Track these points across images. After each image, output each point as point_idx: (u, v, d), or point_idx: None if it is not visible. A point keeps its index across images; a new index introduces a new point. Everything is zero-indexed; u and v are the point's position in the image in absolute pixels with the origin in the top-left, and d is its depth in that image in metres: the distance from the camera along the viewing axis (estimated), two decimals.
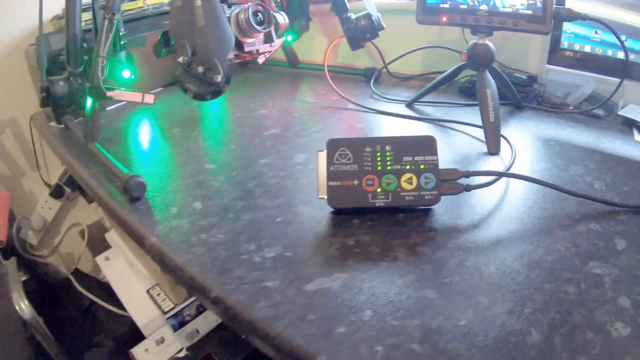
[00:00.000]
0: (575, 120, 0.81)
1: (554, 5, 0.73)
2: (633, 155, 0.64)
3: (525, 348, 0.33)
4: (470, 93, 0.91)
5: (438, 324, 0.35)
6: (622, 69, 0.76)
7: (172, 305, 0.91)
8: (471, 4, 0.77)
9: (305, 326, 0.36)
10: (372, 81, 1.03)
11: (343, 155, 0.48)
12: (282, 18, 0.99)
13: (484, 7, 0.76)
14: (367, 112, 0.85)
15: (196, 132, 0.79)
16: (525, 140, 0.72)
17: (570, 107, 0.88)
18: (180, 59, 0.68)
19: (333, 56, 1.01)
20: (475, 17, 0.77)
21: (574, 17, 0.75)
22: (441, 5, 0.79)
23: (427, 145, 0.48)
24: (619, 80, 0.75)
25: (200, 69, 0.68)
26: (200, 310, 0.94)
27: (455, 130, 0.76)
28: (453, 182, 0.49)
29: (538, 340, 0.34)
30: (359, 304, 0.37)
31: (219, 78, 0.68)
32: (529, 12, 0.73)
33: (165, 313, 0.90)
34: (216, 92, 0.70)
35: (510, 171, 0.59)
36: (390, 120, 0.81)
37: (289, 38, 1.12)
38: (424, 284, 0.40)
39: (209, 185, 0.59)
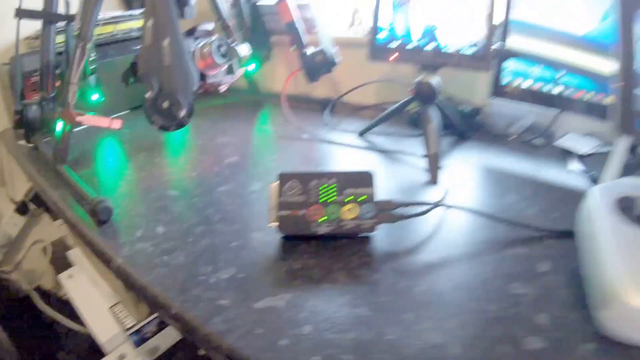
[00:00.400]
0: (516, 149, 0.89)
1: (494, 45, 0.82)
2: (566, 183, 0.71)
3: (447, 359, 0.40)
4: (418, 124, 0.99)
5: (370, 338, 0.42)
6: (559, 102, 0.85)
7: (134, 322, 0.95)
8: (417, 44, 0.85)
9: (253, 339, 0.42)
10: (327, 111, 1.11)
11: (292, 188, 0.54)
12: (244, 50, 1.06)
13: (429, 47, 0.84)
14: (320, 142, 0.92)
15: (160, 158, 0.85)
16: (467, 170, 0.80)
17: (512, 137, 0.97)
18: (148, 94, 0.74)
19: (293, 84, 1.08)
20: (421, 56, 0.85)
21: (512, 55, 0.83)
22: (389, 45, 0.87)
23: (366, 179, 0.55)
24: (557, 111, 0.84)
25: (166, 104, 0.74)
26: (162, 327, 0.98)
27: (401, 160, 0.83)
28: (389, 212, 0.56)
29: (458, 353, 0.41)
30: (300, 320, 0.44)
31: (183, 113, 0.74)
32: (471, 51, 0.82)
33: (127, 330, 0.94)
34: (180, 125, 0.76)
35: (447, 200, 0.67)
36: (342, 150, 0.88)
37: (251, 67, 1.19)
38: (359, 303, 0.46)
39: (171, 211, 0.65)
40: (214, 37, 0.97)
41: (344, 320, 0.44)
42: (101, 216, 0.62)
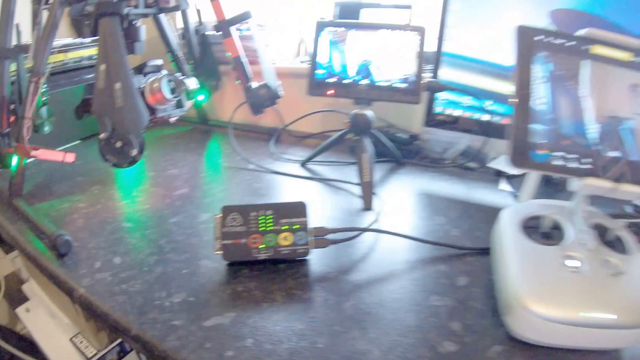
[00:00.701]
0: (451, 173, 0.99)
1: (425, 79, 0.91)
2: (494, 203, 0.81)
3: None
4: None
5: (302, 347, 0.50)
6: (487, 129, 0.95)
7: (95, 352, 1.00)
8: (353, 79, 0.95)
9: (203, 352, 0.49)
10: (272, 141, 1.20)
11: (234, 219, 0.63)
12: (192, 83, 1.14)
13: (364, 82, 0.94)
14: (264, 172, 1.01)
15: (113, 191, 0.92)
16: (402, 194, 0.89)
17: (447, 162, 1.08)
18: (102, 135, 0.81)
19: (241, 114, 1.15)
20: (357, 90, 0.94)
21: (441, 88, 0.94)
22: (327, 81, 0.95)
23: (299, 209, 0.64)
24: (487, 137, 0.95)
25: (119, 144, 0.82)
26: (121, 355, 1.03)
27: (339, 187, 0.92)
28: (322, 238, 0.65)
29: (378, 356, 0.50)
30: (243, 335, 0.52)
31: (134, 152, 0.82)
32: (403, 85, 0.92)
33: (88, 359, 0.99)
34: (132, 162, 0.84)
35: (379, 224, 0.76)
36: (285, 180, 0.97)
37: (200, 97, 1.26)
38: (294, 318, 0.55)
39: (127, 242, 0.72)
40: (163, 73, 1.05)
41: (280, 333, 0.52)
42: (61, 250, 0.68)
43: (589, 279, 0.54)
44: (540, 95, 0.59)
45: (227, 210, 0.63)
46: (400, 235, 0.71)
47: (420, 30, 0.92)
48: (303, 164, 1.05)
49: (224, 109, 1.39)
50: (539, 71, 0.61)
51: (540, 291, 0.53)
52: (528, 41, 0.62)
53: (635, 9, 0.96)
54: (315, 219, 0.76)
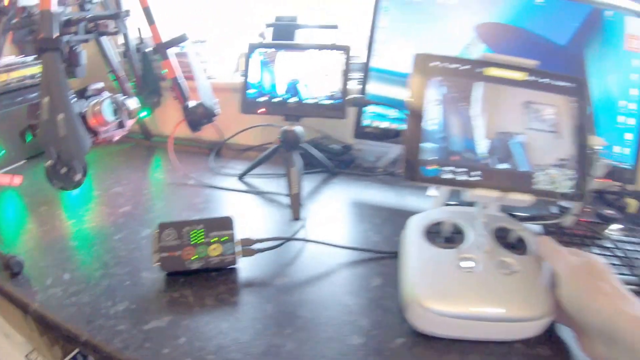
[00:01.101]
0: (383, 181, 1.10)
1: (350, 95, 1.01)
2: (419, 208, 0.86)
3: (282, 354, 0.59)
4: None
5: (227, 342, 0.61)
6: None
7: None
8: (282, 97, 1.04)
9: (143, 351, 0.59)
10: (212, 156, 1.29)
11: (169, 234, 0.72)
12: (133, 103, 1.22)
13: (293, 99, 1.04)
14: (203, 187, 1.10)
15: (60, 211, 1.00)
16: (330, 203, 1.00)
17: (379, 170, 1.19)
18: (48, 163, 0.90)
19: (183, 129, 1.23)
20: (286, 108, 1.04)
21: (366, 103, 1.05)
22: (258, 99, 1.05)
23: (227, 223, 0.73)
24: None
25: (64, 170, 0.90)
26: None
27: (272, 199, 1.03)
28: (248, 248, 0.75)
29: (292, 349, 0.61)
30: (177, 335, 0.62)
31: (78, 177, 0.91)
32: (329, 102, 1.02)
33: None
34: (77, 185, 0.92)
35: (305, 233, 0.86)
36: (222, 193, 1.07)
37: (143, 114, 1.35)
38: (222, 319, 0.65)
39: (75, 260, 0.80)
40: (104, 96, 1.13)
41: (209, 332, 0.62)
42: (14, 269, 0.77)
43: (482, 278, 0.62)
44: (433, 117, 0.69)
45: (163, 226, 0.73)
46: (321, 242, 0.82)
47: (345, 49, 1.03)
48: (240, 177, 1.15)
49: (167, 124, 1.47)
50: (432, 94, 0.70)
51: (434, 290, 0.60)
52: (424, 67, 0.70)
53: (558, 21, 1.09)
54: (247, 229, 0.86)
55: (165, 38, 1.16)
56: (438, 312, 0.58)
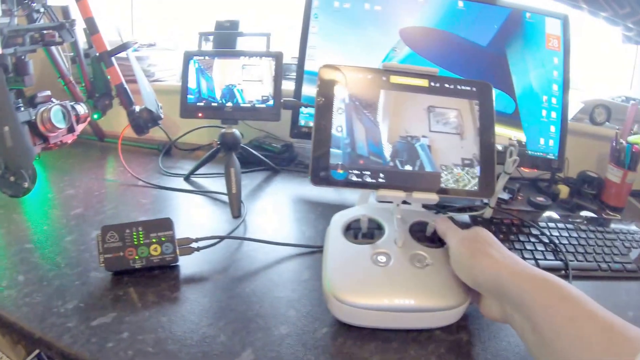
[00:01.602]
0: None
1: (282, 99, 1.10)
2: (352, 203, 0.92)
3: (215, 344, 0.67)
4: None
5: (165, 335, 0.69)
6: None
7: None
8: (220, 102, 1.13)
9: (90, 345, 0.67)
10: (160, 157, 1.37)
11: (112, 236, 0.79)
12: (82, 109, 1.29)
13: (229, 104, 1.13)
14: (151, 187, 1.18)
15: (16, 214, 1.06)
16: (270, 200, 1.09)
17: None
18: None
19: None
20: (223, 112, 1.12)
21: (298, 106, 1.14)
22: (197, 104, 1.13)
23: (166, 224, 0.80)
24: None
25: (13, 179, 0.98)
26: None
27: (215, 198, 1.12)
28: (187, 247, 0.84)
29: (224, 340, 0.69)
30: (121, 330, 0.70)
31: (27, 184, 0.98)
32: (263, 105, 1.12)
33: None
34: (26, 192, 1.00)
35: (244, 230, 0.95)
36: (169, 194, 1.14)
37: (95, 116, 1.41)
38: (161, 313, 0.73)
39: (29, 262, 0.87)
40: (53, 103, 1.20)
41: (149, 326, 0.70)
42: None
43: (394, 272, 0.67)
44: (339, 124, 0.76)
45: (105, 229, 0.80)
46: (255, 240, 0.91)
47: (277, 56, 1.12)
48: (186, 178, 1.23)
49: (120, 124, 1.52)
50: (338, 103, 0.77)
51: (349, 283, 0.66)
52: (330, 77, 0.78)
53: (479, 24, 1.19)
54: (190, 228, 0.94)
55: (111, 44, 1.23)
56: (353, 304, 0.63)
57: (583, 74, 1.73)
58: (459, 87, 0.81)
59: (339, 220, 0.82)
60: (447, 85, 0.81)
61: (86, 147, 1.49)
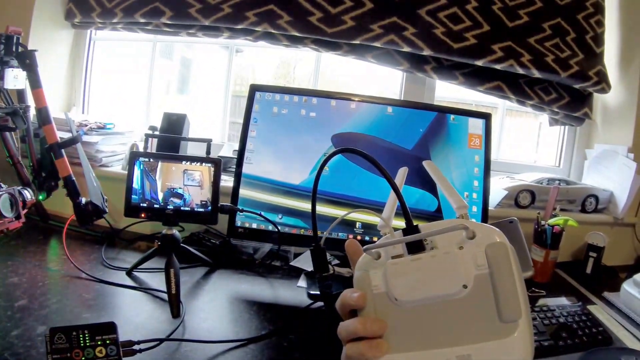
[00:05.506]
0: (258, 273, 1.37)
1: (220, 204, 1.30)
2: (286, 300, 1.12)
3: None
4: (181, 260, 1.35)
5: None
6: (281, 238, 1.35)
7: None
8: (162, 204, 1.29)
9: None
10: (103, 249, 1.50)
11: (60, 337, 0.91)
12: (29, 194, 1.41)
13: (170, 207, 1.30)
14: (95, 282, 1.31)
15: None
16: (208, 299, 1.25)
17: (256, 262, 1.47)
18: None
19: None
20: (165, 214, 1.28)
21: (234, 211, 1.32)
22: (141, 205, 1.29)
23: (110, 328, 0.94)
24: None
25: None
26: None
27: (156, 296, 1.27)
28: (130, 349, 0.99)
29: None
30: None
31: None
32: (202, 210, 1.30)
33: None
34: None
35: (183, 330, 1.10)
36: (112, 289, 1.28)
37: (40, 197, 1.55)
38: None
39: None
40: (1, 189, 1.31)
41: None
42: None
43: None
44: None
45: (53, 331, 0.92)
46: (191, 340, 1.06)
47: (216, 162, 1.31)
48: (128, 272, 1.38)
49: (64, 206, 1.60)
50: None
51: None
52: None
53: (405, 128, 1.41)
54: (132, 327, 1.08)
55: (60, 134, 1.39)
56: None
57: (514, 154, 2.11)
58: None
59: None
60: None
61: (29, 226, 1.56)
